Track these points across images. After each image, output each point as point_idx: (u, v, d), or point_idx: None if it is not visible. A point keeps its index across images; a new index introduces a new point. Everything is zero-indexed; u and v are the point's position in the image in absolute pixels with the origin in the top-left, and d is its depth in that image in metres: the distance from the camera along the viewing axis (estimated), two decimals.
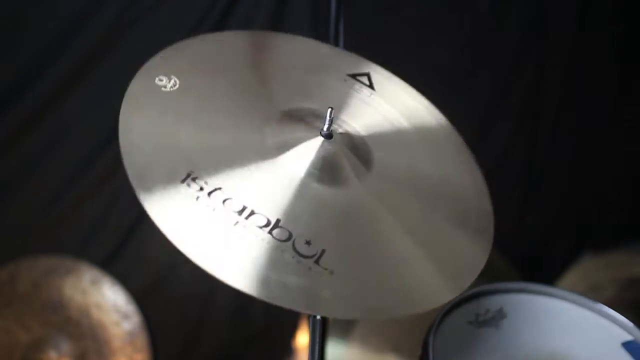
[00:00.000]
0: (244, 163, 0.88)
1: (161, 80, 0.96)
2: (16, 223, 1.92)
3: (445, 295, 0.85)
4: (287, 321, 2.03)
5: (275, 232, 0.82)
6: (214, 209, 0.82)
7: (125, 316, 1.91)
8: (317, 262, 0.81)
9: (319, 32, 1.75)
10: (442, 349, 1.06)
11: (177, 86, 0.96)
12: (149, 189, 0.82)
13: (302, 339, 2.01)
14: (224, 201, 0.83)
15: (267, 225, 0.83)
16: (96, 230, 1.93)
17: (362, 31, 1.85)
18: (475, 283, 1.19)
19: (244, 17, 1.82)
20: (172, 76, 0.97)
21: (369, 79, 0.97)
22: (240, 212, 0.83)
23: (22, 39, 1.79)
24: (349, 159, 0.94)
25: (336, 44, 1.60)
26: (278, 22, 1.84)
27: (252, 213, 0.83)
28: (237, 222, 0.82)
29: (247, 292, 0.77)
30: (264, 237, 0.82)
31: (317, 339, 1.07)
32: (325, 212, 0.88)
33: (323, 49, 1.14)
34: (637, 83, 2.09)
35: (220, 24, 1.81)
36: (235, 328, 2.03)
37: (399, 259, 0.87)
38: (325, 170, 0.91)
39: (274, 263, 0.79)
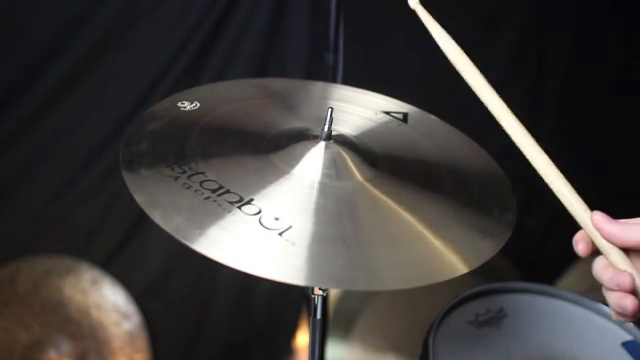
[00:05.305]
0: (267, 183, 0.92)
1: (183, 104, 1.05)
2: (16, 223, 1.92)
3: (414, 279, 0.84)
4: (287, 321, 2.03)
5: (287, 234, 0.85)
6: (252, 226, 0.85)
7: (125, 316, 1.91)
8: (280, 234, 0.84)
9: (319, 32, 1.75)
10: (442, 349, 1.06)
11: (197, 107, 1.04)
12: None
13: (302, 339, 2.01)
14: (257, 215, 0.86)
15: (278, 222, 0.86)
16: (96, 230, 1.93)
17: (362, 31, 1.86)
18: (476, 283, 1.20)
19: (244, 17, 1.82)
20: (195, 101, 1.06)
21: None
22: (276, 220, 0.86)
23: (22, 40, 1.79)
24: (351, 153, 1.00)
25: (336, 44, 1.60)
26: (278, 22, 1.84)
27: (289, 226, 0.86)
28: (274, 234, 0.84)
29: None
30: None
31: (317, 339, 1.07)
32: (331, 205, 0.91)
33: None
34: (637, 83, 2.09)
35: (220, 24, 1.81)
36: (235, 328, 2.03)
37: (378, 241, 0.88)
38: (334, 167, 0.96)
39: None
